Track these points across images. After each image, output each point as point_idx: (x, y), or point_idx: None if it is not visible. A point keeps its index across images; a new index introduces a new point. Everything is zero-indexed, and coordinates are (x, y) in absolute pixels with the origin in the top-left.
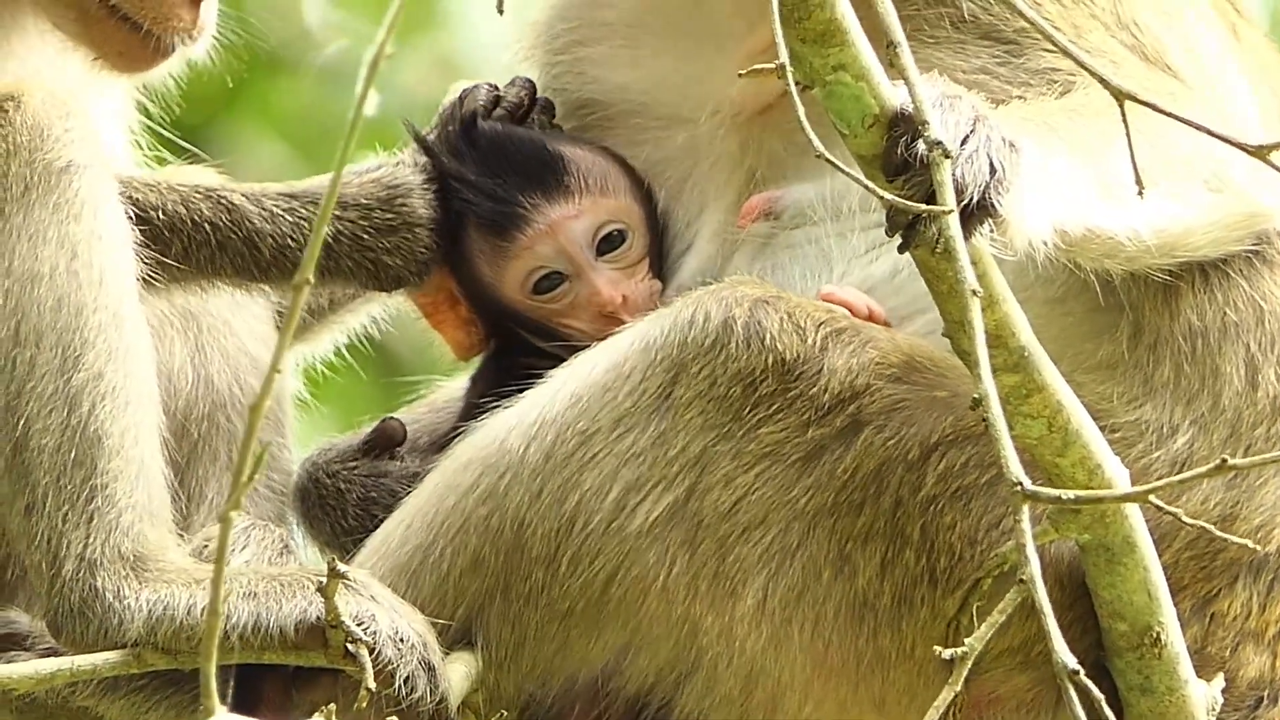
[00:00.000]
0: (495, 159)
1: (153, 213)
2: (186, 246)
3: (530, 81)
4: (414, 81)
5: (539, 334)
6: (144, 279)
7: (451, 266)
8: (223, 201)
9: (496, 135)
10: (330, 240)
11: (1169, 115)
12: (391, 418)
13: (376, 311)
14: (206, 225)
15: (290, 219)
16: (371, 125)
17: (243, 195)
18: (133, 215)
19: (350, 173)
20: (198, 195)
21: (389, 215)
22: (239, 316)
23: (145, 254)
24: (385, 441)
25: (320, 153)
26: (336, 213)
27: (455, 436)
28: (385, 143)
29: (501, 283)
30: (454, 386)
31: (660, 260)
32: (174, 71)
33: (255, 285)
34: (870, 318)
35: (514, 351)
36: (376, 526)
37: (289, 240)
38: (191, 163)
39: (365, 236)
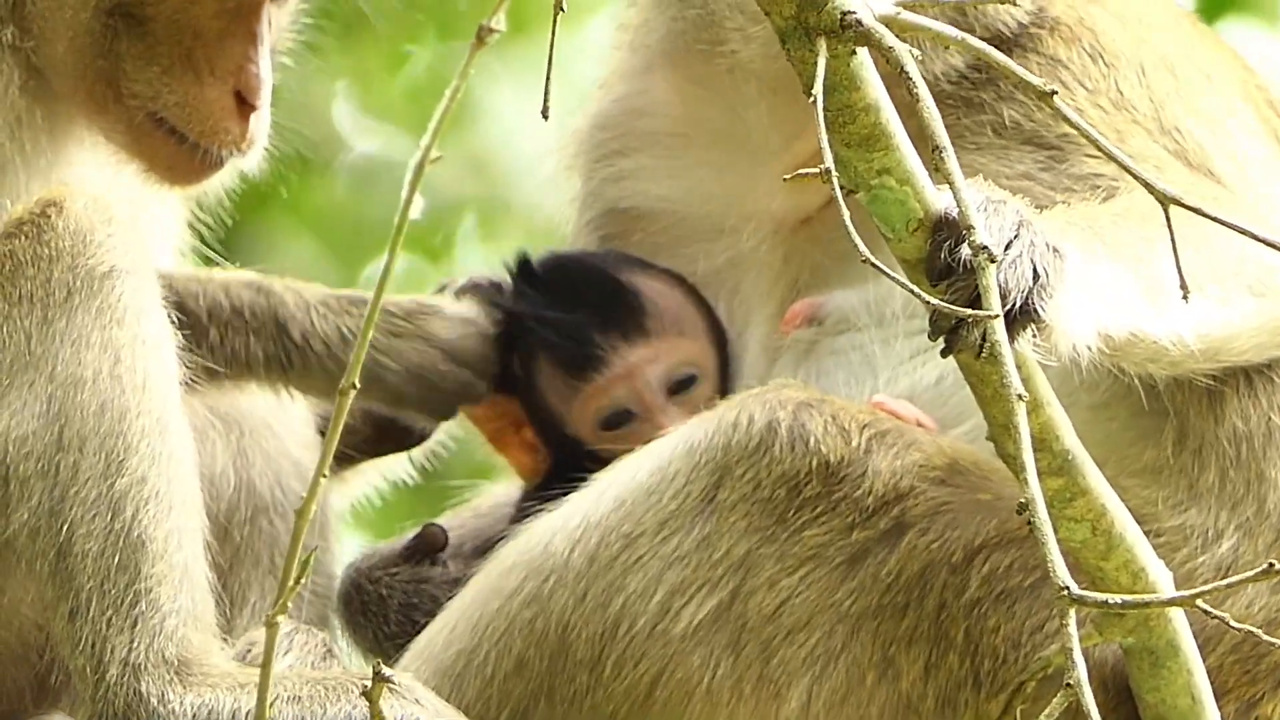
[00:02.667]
0: (569, 293)
1: (191, 301)
2: (222, 333)
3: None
4: (447, 181)
5: (599, 461)
6: (185, 380)
7: (520, 393)
8: (262, 289)
9: (569, 266)
10: (349, 336)
11: (1212, 219)
12: (433, 524)
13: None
14: (245, 310)
15: (324, 311)
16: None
17: (284, 287)
18: (170, 304)
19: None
20: (236, 281)
21: (406, 324)
22: (280, 420)
23: (185, 342)
24: (427, 547)
25: (352, 253)
26: (360, 310)
27: (500, 541)
28: (419, 243)
29: (569, 416)
30: (498, 491)
31: (726, 391)
32: (225, 184)
33: (285, 376)
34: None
35: (569, 468)
36: (418, 632)
37: (327, 357)
38: (228, 264)
39: (378, 338)
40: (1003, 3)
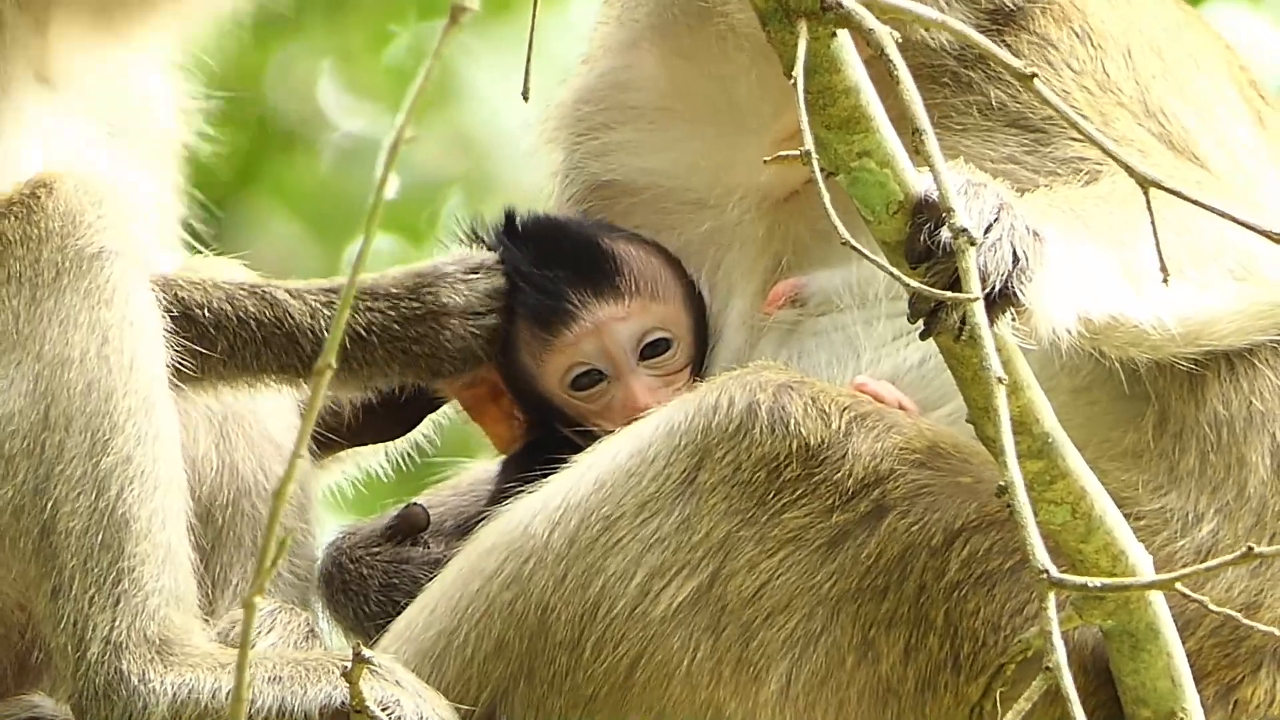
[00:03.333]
0: (547, 251)
1: (198, 311)
2: (232, 343)
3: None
4: (429, 159)
5: (573, 427)
6: (190, 378)
7: (496, 355)
8: (266, 297)
9: (550, 226)
10: (363, 331)
11: (1193, 202)
12: (415, 504)
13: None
14: (251, 322)
15: (326, 313)
16: (390, 205)
17: (285, 291)
18: (178, 314)
19: (396, 268)
20: (242, 292)
21: (415, 304)
22: (263, 403)
23: (190, 352)
24: (408, 528)
25: (334, 231)
26: (367, 303)
27: (480, 521)
28: (402, 222)
29: (542, 375)
30: (478, 469)
31: (701, 367)
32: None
33: (298, 381)
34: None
35: (549, 443)
36: (398, 612)
37: (325, 335)
38: (210, 244)
39: (395, 327)
40: None
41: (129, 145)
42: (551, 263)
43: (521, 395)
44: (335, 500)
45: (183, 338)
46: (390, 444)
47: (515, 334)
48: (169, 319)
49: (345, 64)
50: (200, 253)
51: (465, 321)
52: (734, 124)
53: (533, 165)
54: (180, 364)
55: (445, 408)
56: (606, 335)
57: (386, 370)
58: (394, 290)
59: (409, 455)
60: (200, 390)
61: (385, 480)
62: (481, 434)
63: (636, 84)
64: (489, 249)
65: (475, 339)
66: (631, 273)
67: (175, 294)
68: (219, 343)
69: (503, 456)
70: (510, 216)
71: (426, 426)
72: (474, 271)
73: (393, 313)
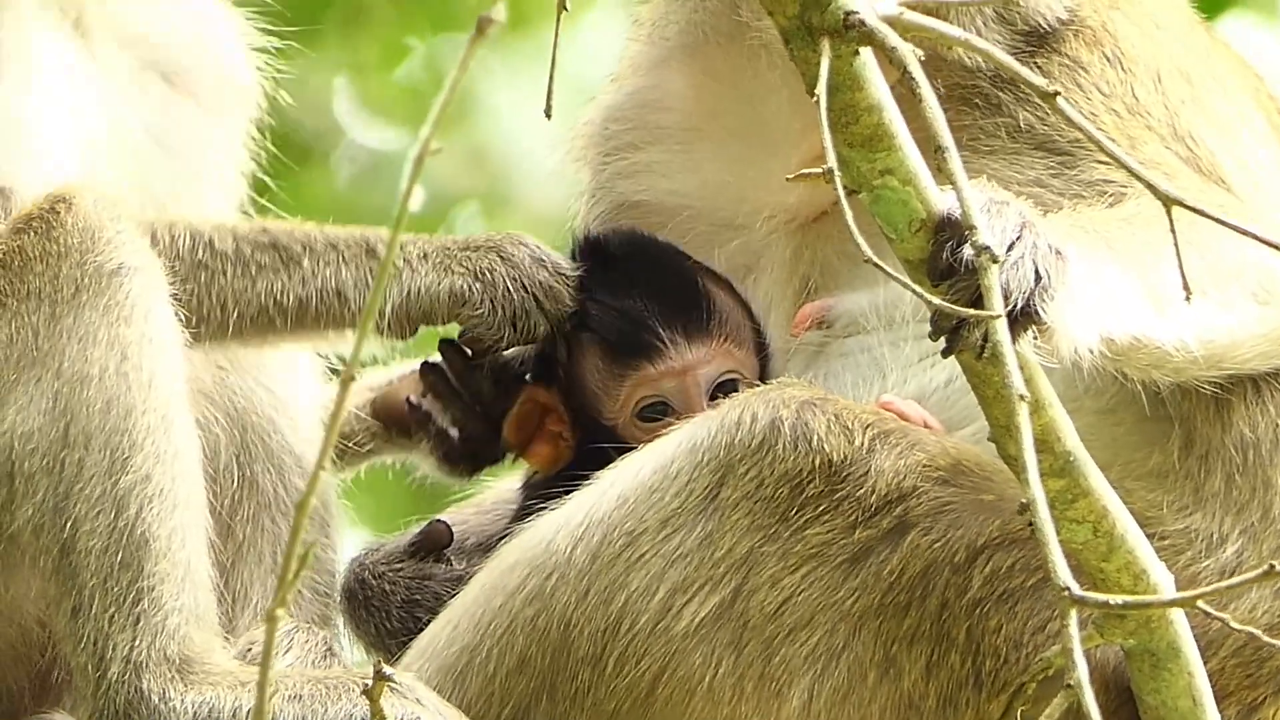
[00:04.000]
0: (638, 282)
1: (284, 236)
2: (315, 265)
3: None
4: (444, 174)
5: (624, 446)
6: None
7: (557, 376)
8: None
9: (642, 251)
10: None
11: (1216, 220)
12: (439, 520)
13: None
14: (267, 252)
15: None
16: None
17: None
18: (267, 242)
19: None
20: (244, 227)
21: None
22: (283, 416)
23: (243, 298)
24: (432, 544)
25: None
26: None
27: (503, 538)
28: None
29: (606, 399)
30: (501, 488)
31: None
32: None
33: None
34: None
35: (578, 463)
36: (420, 629)
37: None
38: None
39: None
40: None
41: (186, 90)
42: (642, 294)
43: (578, 419)
44: (357, 514)
45: (266, 266)
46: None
47: (585, 358)
48: (255, 248)
49: (360, 78)
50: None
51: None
52: (763, 144)
53: (549, 182)
54: (263, 297)
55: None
56: (689, 377)
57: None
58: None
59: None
60: (224, 335)
61: (410, 485)
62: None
63: (665, 103)
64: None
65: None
66: (722, 316)
67: (264, 226)
68: (303, 262)
69: (525, 475)
70: (598, 238)
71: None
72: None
73: (466, 262)
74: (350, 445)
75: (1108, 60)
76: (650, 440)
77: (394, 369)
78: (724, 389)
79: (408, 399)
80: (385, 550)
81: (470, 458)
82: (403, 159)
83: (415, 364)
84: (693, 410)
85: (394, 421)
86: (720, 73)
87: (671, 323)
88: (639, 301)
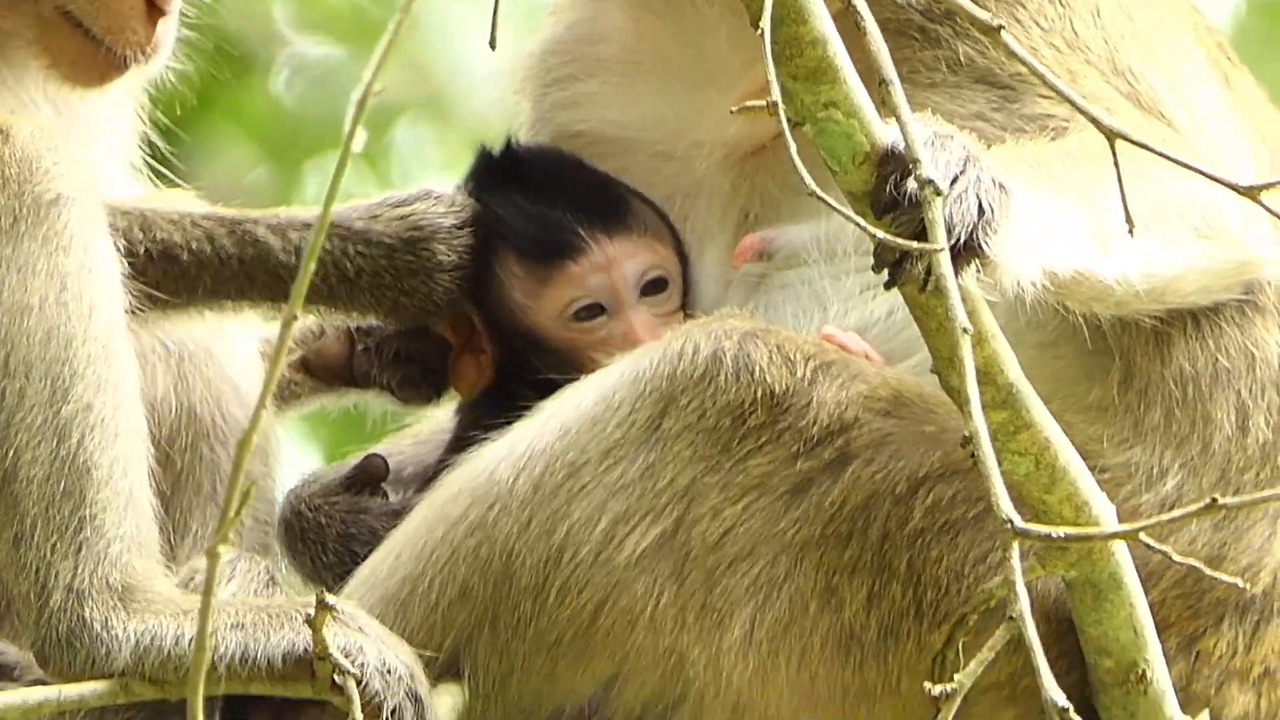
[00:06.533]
0: (550, 185)
1: (179, 251)
2: (215, 280)
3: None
4: (390, 87)
5: (556, 364)
6: (174, 314)
7: (479, 294)
8: (246, 237)
9: (551, 161)
10: (352, 275)
11: (1159, 154)
12: (375, 454)
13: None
14: (234, 261)
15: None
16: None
17: (267, 229)
18: (158, 254)
19: (385, 203)
20: (221, 230)
21: (410, 258)
22: (221, 344)
23: (174, 291)
24: (368, 477)
25: (290, 154)
26: (361, 249)
27: (441, 469)
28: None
29: (535, 308)
30: (439, 418)
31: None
32: (145, 97)
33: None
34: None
35: (509, 387)
36: (356, 562)
37: (315, 276)
38: (168, 171)
39: (386, 276)
40: None
41: None
42: (555, 197)
43: (502, 332)
44: (298, 442)
45: (166, 277)
46: (352, 390)
47: (503, 269)
48: (150, 258)
49: None
50: (160, 179)
51: (455, 276)
52: (702, 78)
53: (487, 94)
54: (164, 302)
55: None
56: (614, 271)
57: (367, 312)
58: (389, 240)
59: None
60: (183, 323)
61: (347, 423)
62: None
63: (604, 36)
64: (472, 184)
65: (460, 290)
66: (638, 213)
67: (155, 235)
68: (201, 282)
69: (459, 403)
70: (505, 150)
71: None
72: (463, 223)
73: (385, 262)
74: (290, 388)
75: None
76: (592, 344)
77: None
78: (655, 287)
79: (351, 340)
80: (321, 483)
81: (431, 378)
82: (345, 72)
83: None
84: (624, 309)
85: (331, 374)
86: (659, 6)
87: (588, 220)
88: (552, 204)
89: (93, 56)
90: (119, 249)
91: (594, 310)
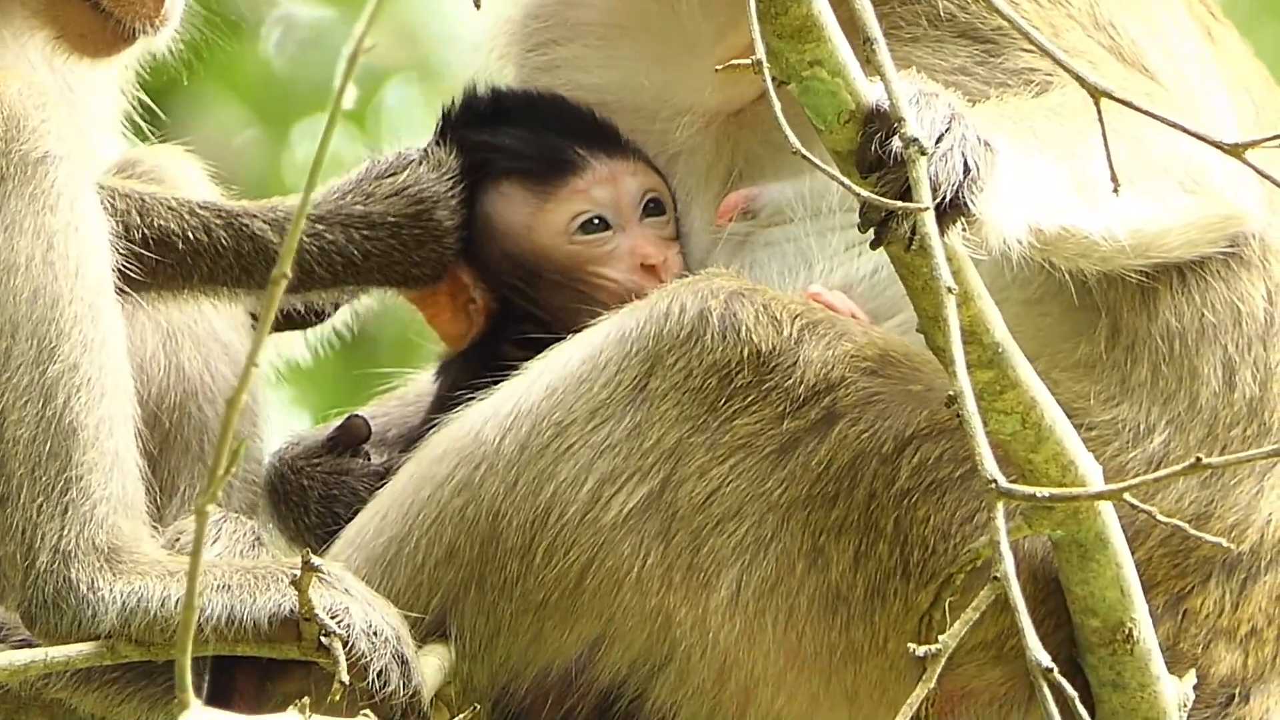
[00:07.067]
0: (541, 118)
1: (175, 239)
2: (211, 270)
3: None
4: (378, 51)
5: (554, 294)
6: (170, 297)
7: (470, 238)
8: (243, 230)
9: (539, 99)
10: (359, 260)
11: (1144, 112)
12: (357, 415)
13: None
14: (229, 253)
15: (315, 245)
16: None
17: (264, 223)
18: (156, 240)
19: (371, 177)
20: (218, 221)
21: (418, 230)
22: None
23: (170, 277)
24: (349, 439)
25: (280, 114)
26: (366, 233)
27: (426, 430)
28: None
29: (538, 227)
30: (425, 380)
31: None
32: (135, 60)
33: (289, 297)
34: None
35: (492, 343)
36: (339, 523)
37: (316, 265)
38: (157, 132)
39: (395, 254)
40: None
41: None
42: (550, 125)
43: (497, 270)
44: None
45: (162, 263)
46: (306, 331)
47: (498, 200)
48: (147, 244)
49: None
50: (147, 139)
51: (459, 236)
52: (682, 41)
53: (474, 58)
54: (159, 285)
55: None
56: (619, 184)
57: (378, 286)
58: (392, 219)
59: (329, 343)
60: (178, 305)
61: (339, 375)
62: (432, 327)
63: (584, 0)
64: (458, 125)
65: (459, 246)
66: (628, 140)
67: (152, 221)
68: (197, 270)
69: (441, 363)
70: (491, 91)
71: (344, 314)
72: (455, 182)
73: (393, 241)
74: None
75: None
76: (597, 259)
77: None
78: (655, 208)
79: None
80: (304, 445)
81: None
82: (334, 35)
83: None
84: (629, 222)
85: None
86: None
87: (586, 140)
88: (549, 130)
89: (101, 29)
90: (116, 233)
91: (599, 224)
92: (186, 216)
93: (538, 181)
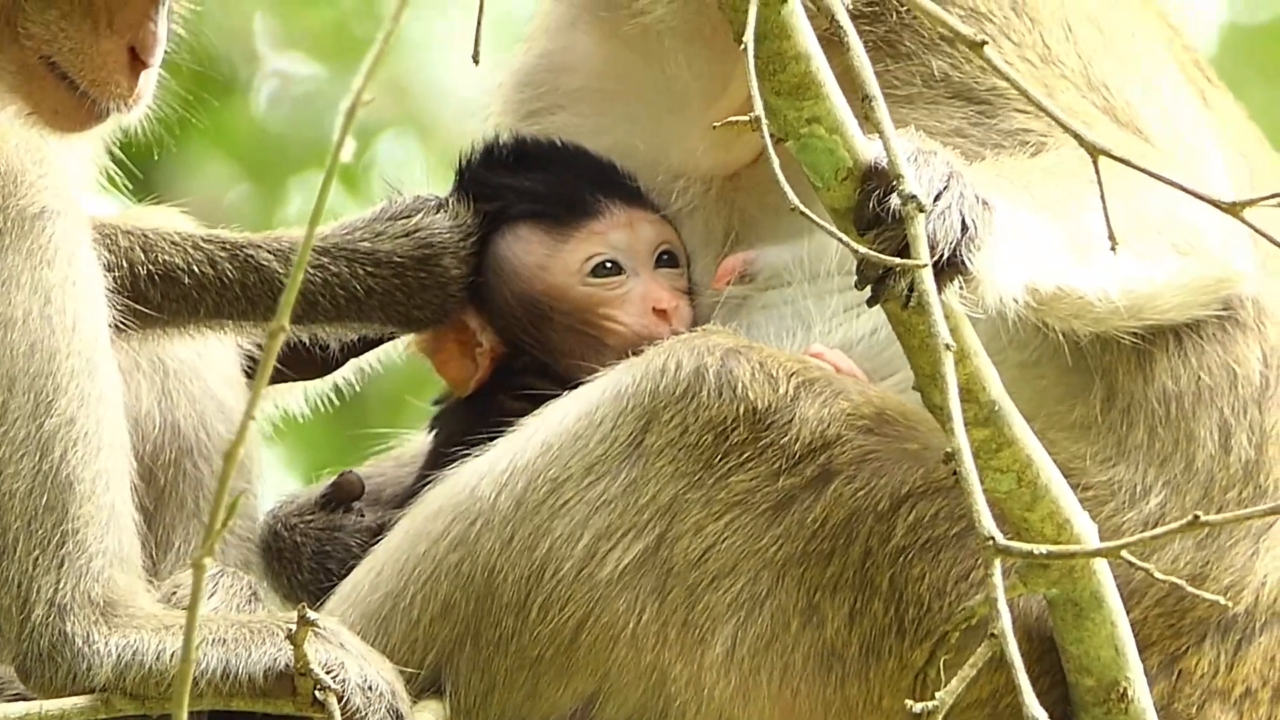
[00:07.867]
0: (561, 165)
1: (180, 274)
2: (217, 304)
3: None
4: (371, 105)
5: (564, 339)
6: (176, 332)
7: (482, 283)
8: (250, 262)
9: (559, 146)
10: (362, 296)
11: (1141, 170)
12: (350, 472)
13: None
14: (235, 286)
15: (319, 276)
16: (326, 148)
17: (269, 254)
18: (158, 275)
19: (384, 217)
20: (223, 254)
21: (422, 274)
22: (205, 360)
23: (176, 311)
24: (342, 495)
25: (271, 173)
26: (370, 270)
27: (420, 486)
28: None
29: (552, 268)
30: (420, 441)
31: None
32: (107, 135)
33: (293, 328)
34: None
35: (489, 396)
36: (332, 580)
37: (319, 296)
38: (146, 194)
39: (398, 294)
40: None
41: None
42: (569, 170)
43: (506, 314)
44: (283, 465)
45: (167, 298)
46: (308, 383)
47: (513, 240)
48: (152, 280)
49: (281, 6)
50: (137, 200)
51: (464, 286)
52: (674, 106)
53: (467, 113)
54: (164, 321)
55: (371, 355)
56: (635, 230)
57: (378, 326)
58: (399, 259)
59: (329, 398)
60: (182, 340)
61: (335, 438)
62: (438, 372)
63: (574, 66)
64: (477, 169)
65: (465, 295)
66: (645, 191)
67: (157, 257)
68: (203, 304)
69: (435, 418)
70: (511, 138)
71: (349, 369)
72: (467, 233)
73: (396, 281)
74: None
75: (1010, 9)
76: (609, 302)
77: None
78: (670, 259)
79: None
80: (298, 502)
81: None
82: (326, 91)
83: None
84: (643, 268)
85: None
86: (625, 36)
87: (605, 188)
88: (569, 175)
89: (75, 107)
90: (120, 271)
91: (613, 268)
92: (191, 250)
93: (555, 223)
